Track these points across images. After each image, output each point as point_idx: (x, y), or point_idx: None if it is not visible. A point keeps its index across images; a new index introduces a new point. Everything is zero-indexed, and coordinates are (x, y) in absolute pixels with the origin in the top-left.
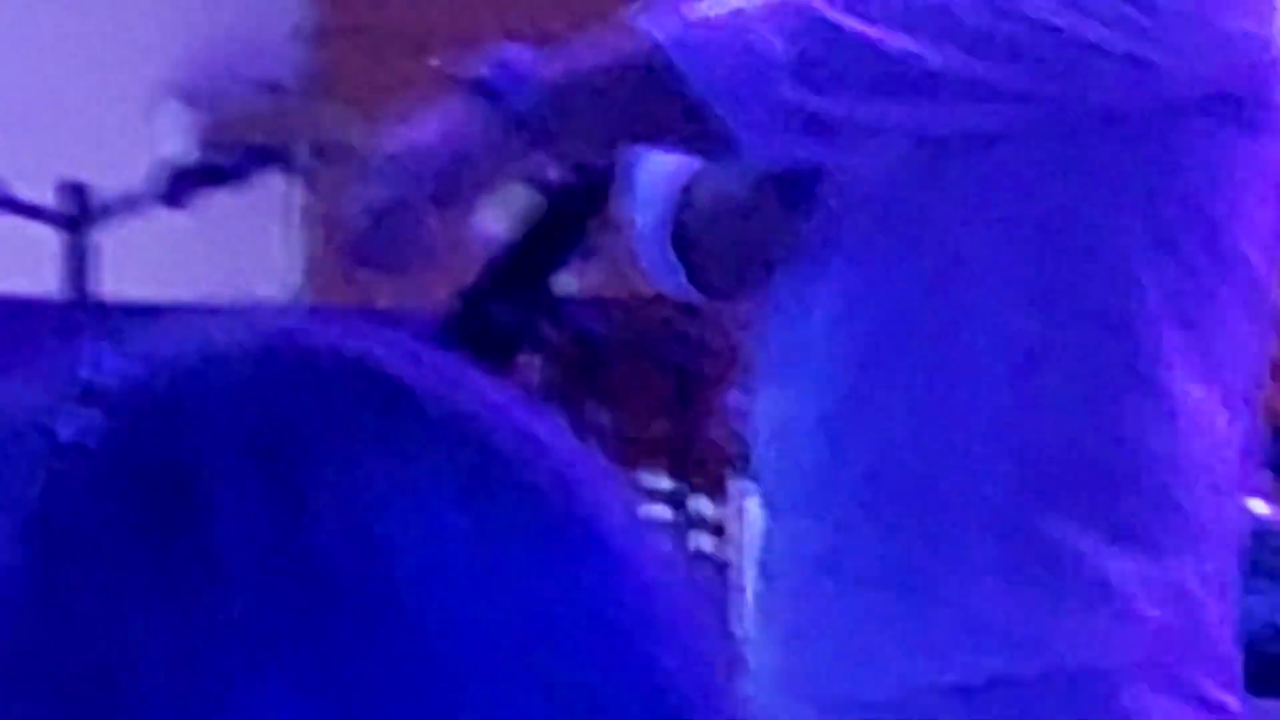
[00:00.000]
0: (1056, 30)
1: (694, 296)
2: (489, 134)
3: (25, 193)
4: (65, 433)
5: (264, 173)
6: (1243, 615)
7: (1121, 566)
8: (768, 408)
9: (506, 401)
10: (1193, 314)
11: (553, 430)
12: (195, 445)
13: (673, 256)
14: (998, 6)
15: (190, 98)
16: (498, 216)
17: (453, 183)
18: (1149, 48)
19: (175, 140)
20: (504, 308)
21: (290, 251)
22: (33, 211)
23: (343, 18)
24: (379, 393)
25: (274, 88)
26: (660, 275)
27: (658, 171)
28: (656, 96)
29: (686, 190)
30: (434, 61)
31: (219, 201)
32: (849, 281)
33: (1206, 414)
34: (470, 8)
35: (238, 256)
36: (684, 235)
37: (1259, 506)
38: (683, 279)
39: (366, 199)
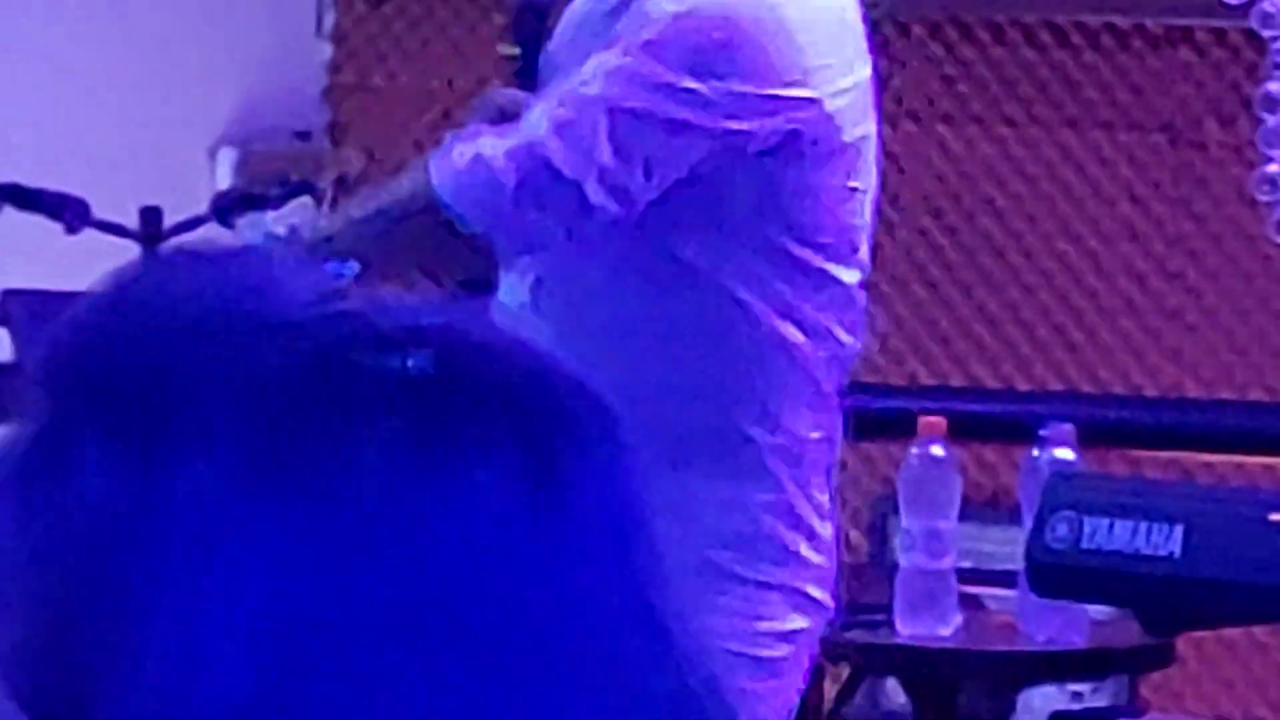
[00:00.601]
0: (671, 121)
1: None
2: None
3: (114, 216)
4: (412, 363)
5: (295, 200)
6: (1050, 536)
7: (685, 483)
8: None
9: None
10: (792, 309)
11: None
12: (488, 381)
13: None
14: (629, 111)
15: (240, 143)
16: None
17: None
18: (726, 119)
19: (228, 175)
20: None
21: None
22: (119, 230)
23: (358, 79)
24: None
25: (304, 135)
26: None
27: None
28: (434, 220)
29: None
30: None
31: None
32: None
33: (791, 378)
34: (465, 70)
35: None
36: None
37: (1065, 453)
38: None
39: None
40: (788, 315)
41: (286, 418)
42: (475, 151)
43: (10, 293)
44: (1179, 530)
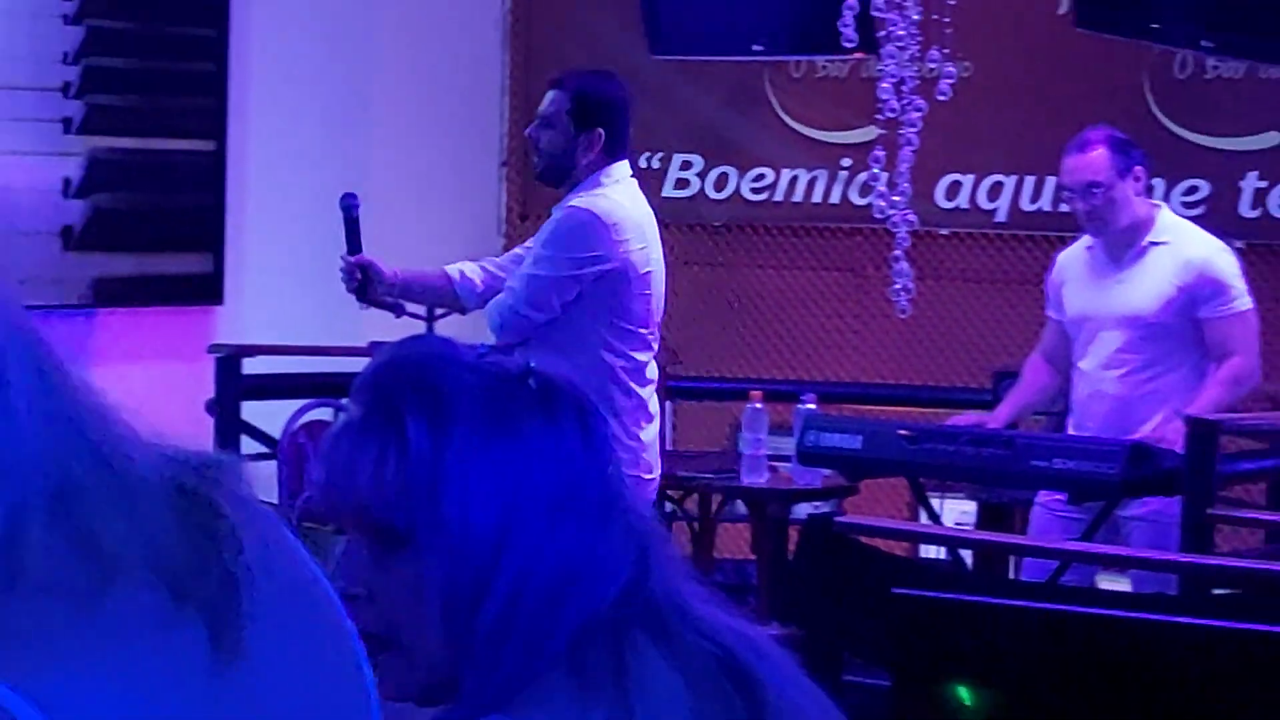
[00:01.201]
0: (554, 278)
1: None
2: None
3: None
4: (532, 382)
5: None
6: (806, 440)
7: None
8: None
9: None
10: (615, 349)
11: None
12: (559, 397)
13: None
14: (538, 282)
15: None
16: None
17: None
18: (586, 270)
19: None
20: None
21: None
22: (418, 316)
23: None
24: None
25: None
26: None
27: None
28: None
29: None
30: None
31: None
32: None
33: (615, 380)
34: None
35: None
36: None
37: (812, 406)
38: None
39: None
40: (612, 350)
41: (488, 408)
42: (496, 306)
43: (374, 342)
44: (859, 438)
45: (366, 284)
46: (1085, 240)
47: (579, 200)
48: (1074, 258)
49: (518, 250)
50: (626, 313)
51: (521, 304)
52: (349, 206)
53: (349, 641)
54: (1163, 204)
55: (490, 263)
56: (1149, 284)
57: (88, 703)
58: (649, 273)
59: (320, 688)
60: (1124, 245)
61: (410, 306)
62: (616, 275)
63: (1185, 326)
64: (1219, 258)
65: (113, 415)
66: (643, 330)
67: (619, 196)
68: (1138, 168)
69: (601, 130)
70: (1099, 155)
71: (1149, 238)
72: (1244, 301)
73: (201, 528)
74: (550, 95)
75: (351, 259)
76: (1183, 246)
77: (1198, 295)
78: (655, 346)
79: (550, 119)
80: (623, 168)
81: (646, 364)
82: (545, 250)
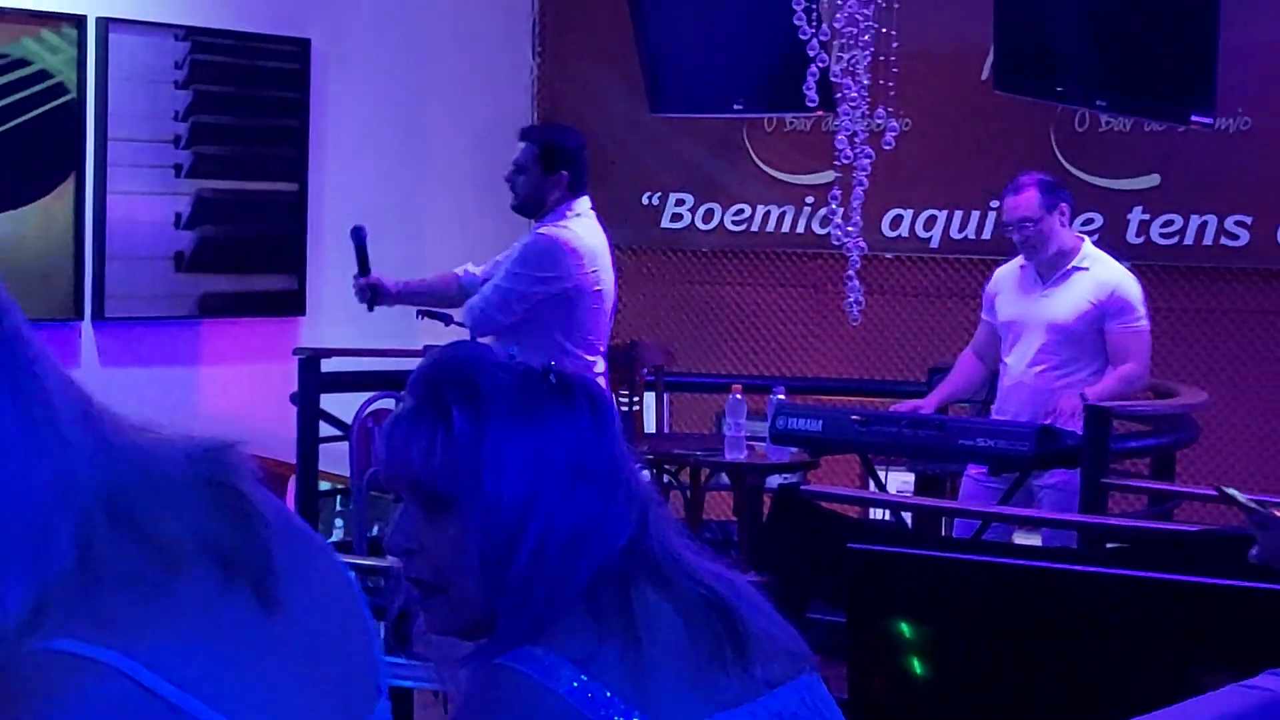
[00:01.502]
0: (518, 290)
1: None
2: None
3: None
4: (552, 378)
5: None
6: (778, 425)
7: None
8: None
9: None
10: (569, 352)
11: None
12: (574, 390)
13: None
14: (505, 292)
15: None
16: None
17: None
18: (545, 286)
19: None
20: None
21: None
22: (461, 325)
23: None
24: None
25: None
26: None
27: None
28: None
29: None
30: None
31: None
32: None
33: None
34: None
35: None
36: None
37: (782, 397)
38: None
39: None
40: (564, 351)
41: (517, 399)
42: (469, 307)
43: (426, 346)
44: (819, 422)
45: (375, 297)
46: (1019, 259)
47: (545, 229)
48: (1008, 273)
49: (498, 258)
50: (578, 322)
51: (491, 307)
52: (359, 236)
53: (350, 585)
54: (1086, 238)
55: (486, 265)
56: (1069, 299)
57: (179, 662)
58: (600, 290)
59: (337, 622)
60: (1052, 268)
61: (456, 316)
62: (571, 292)
63: (1094, 335)
64: (1128, 282)
65: (133, 428)
66: (591, 337)
67: (579, 228)
68: (1063, 204)
69: (565, 172)
70: (1029, 196)
71: (1074, 263)
72: (1144, 322)
73: (233, 512)
74: (521, 146)
75: (362, 280)
76: (1100, 272)
77: (1108, 310)
78: (604, 349)
79: (522, 165)
80: (584, 203)
81: (595, 363)
82: (514, 268)
